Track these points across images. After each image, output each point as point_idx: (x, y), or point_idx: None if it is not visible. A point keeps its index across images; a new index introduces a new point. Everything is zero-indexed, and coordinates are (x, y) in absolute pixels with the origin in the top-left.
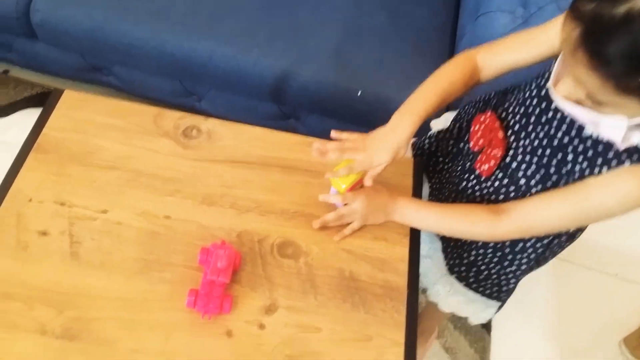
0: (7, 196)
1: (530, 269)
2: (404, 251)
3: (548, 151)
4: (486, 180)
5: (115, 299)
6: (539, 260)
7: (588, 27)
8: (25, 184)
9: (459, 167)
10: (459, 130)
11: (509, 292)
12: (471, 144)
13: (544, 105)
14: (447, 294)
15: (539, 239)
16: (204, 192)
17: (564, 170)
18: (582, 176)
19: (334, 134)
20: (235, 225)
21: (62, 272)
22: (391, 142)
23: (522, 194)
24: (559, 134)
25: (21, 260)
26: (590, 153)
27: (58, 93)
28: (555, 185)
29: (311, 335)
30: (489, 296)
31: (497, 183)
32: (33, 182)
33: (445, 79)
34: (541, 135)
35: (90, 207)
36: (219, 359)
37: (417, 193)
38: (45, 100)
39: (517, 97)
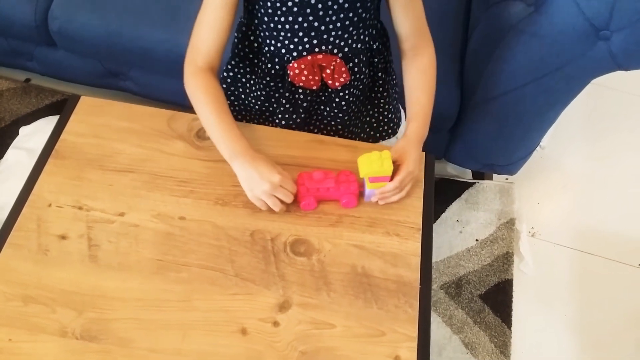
0: (27, 202)
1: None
2: (416, 246)
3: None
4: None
5: (133, 300)
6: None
7: None
8: (45, 189)
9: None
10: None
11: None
12: (330, 83)
13: None
14: None
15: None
16: (218, 193)
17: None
18: None
19: None
20: (248, 224)
21: (81, 274)
22: (266, 166)
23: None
24: None
25: (42, 263)
26: None
27: (75, 99)
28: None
29: (325, 332)
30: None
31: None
32: (52, 187)
33: (219, 107)
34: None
35: (107, 210)
36: (234, 356)
37: (429, 187)
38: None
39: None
